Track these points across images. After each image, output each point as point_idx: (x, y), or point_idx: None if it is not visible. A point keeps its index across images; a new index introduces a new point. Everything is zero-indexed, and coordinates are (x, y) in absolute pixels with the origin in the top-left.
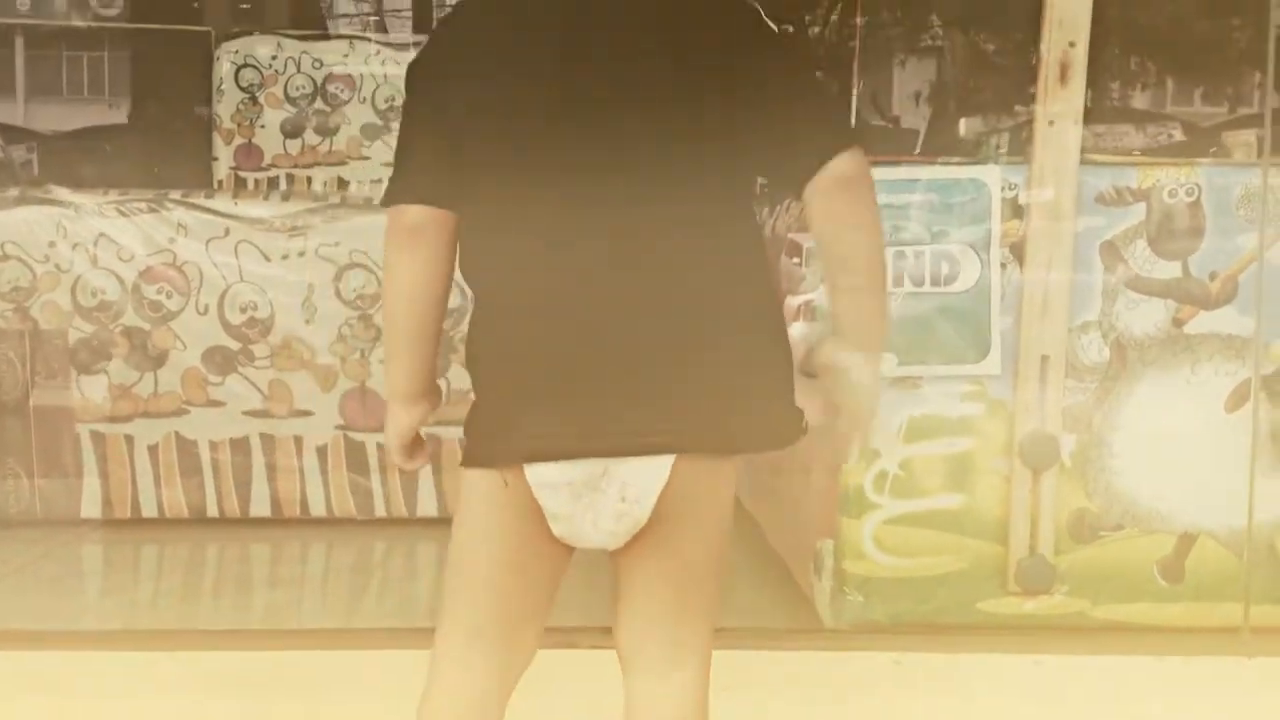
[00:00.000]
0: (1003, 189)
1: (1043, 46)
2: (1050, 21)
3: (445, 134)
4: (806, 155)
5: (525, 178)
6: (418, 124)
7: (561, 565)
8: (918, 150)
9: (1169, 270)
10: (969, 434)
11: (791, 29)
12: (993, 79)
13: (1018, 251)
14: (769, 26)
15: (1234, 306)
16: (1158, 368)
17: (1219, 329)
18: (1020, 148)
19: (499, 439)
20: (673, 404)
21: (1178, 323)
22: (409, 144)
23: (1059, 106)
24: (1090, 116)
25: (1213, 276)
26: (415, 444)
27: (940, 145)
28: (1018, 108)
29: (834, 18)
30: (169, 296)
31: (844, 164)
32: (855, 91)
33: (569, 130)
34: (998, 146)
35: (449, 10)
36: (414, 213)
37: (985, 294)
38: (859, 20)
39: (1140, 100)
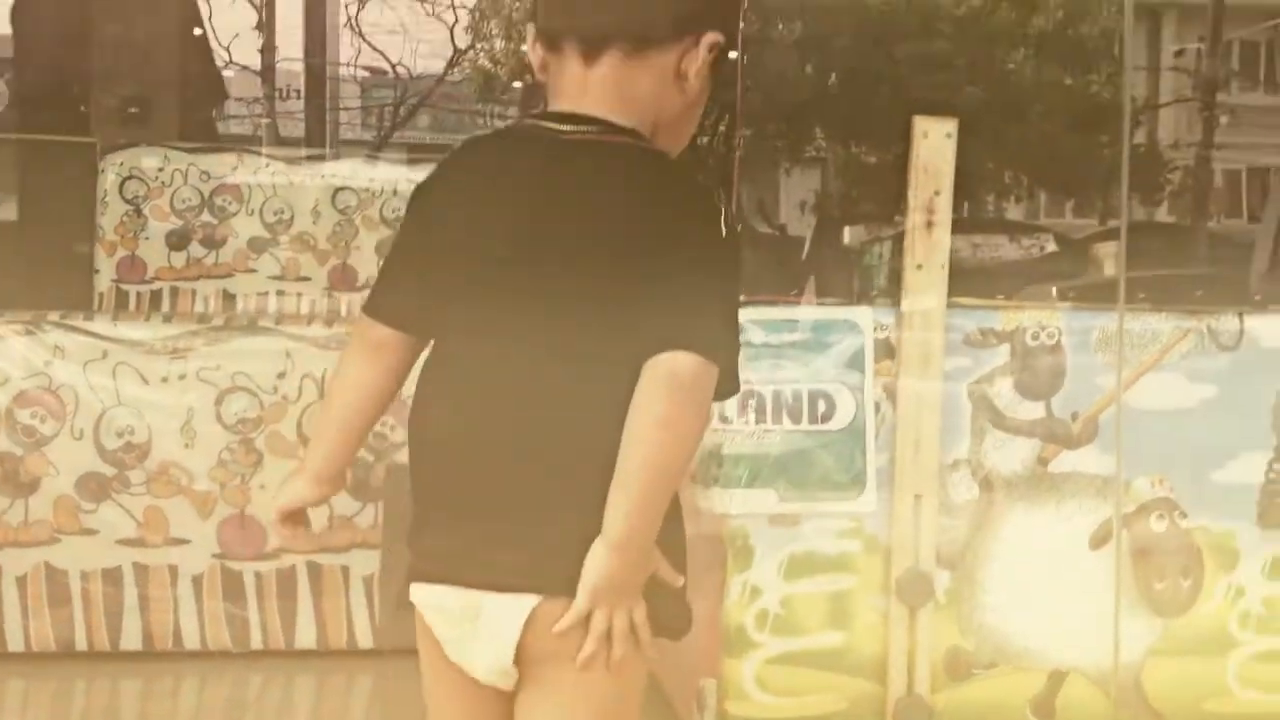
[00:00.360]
0: (875, 329)
1: (909, 194)
2: (916, 169)
3: (419, 262)
4: (656, 338)
5: (463, 317)
6: (400, 246)
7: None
8: (804, 256)
9: (1033, 410)
10: (848, 571)
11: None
12: (874, 189)
13: (890, 390)
14: (714, 225)
15: (1096, 446)
16: (1025, 505)
17: (1082, 468)
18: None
19: (410, 553)
20: (543, 546)
21: (1043, 461)
22: (392, 262)
23: (925, 252)
24: (967, 227)
25: (1074, 417)
26: (300, 517)
27: (824, 254)
28: (898, 217)
29: (721, 128)
30: (43, 421)
31: (682, 362)
32: (735, 200)
33: (498, 283)
34: (880, 254)
35: (461, 143)
36: (379, 331)
37: (860, 432)
38: (744, 132)
39: (1015, 212)
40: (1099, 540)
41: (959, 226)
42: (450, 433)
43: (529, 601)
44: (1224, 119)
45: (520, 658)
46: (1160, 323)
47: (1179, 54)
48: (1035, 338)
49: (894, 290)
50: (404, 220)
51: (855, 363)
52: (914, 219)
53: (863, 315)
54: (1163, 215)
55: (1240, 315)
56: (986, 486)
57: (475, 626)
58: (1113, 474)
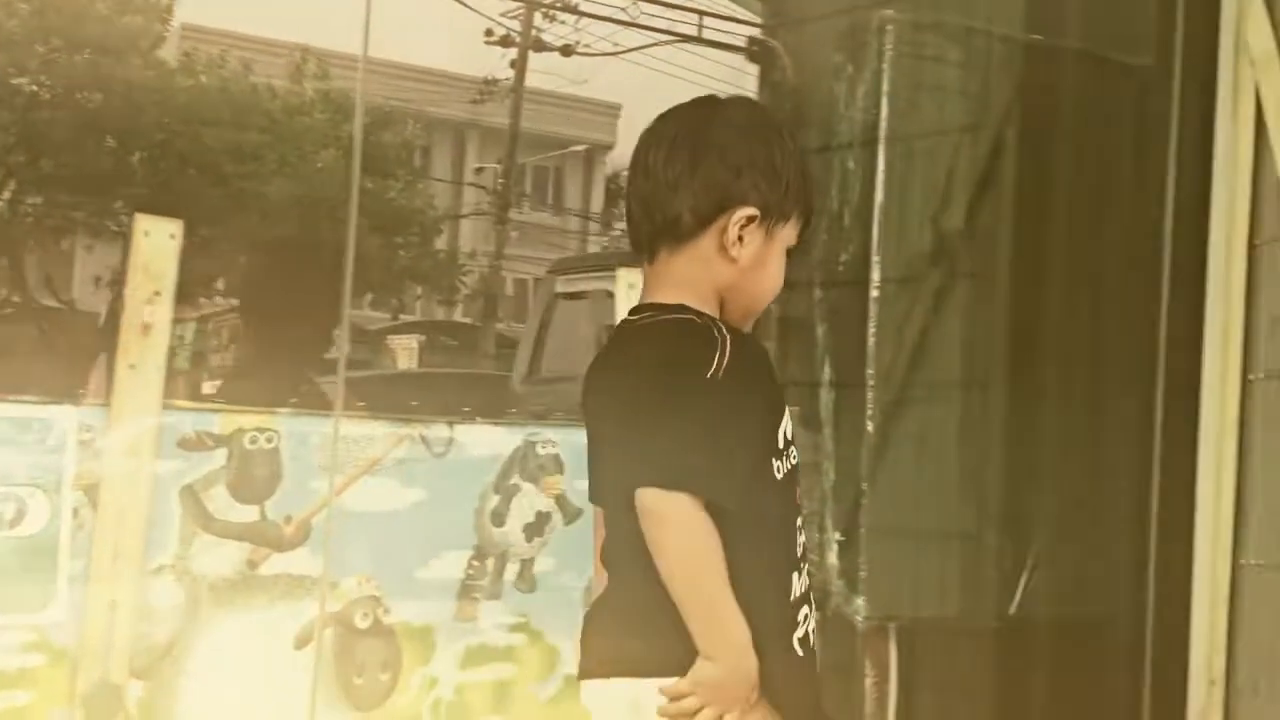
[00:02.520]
0: (80, 430)
1: (126, 292)
2: (135, 268)
3: None
4: (628, 477)
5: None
6: None
7: None
8: (101, 322)
9: (247, 514)
10: (28, 687)
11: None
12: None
13: (93, 494)
14: (697, 370)
15: (307, 547)
16: (232, 609)
17: (292, 569)
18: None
19: None
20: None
21: (252, 564)
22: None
23: (141, 352)
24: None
25: (288, 519)
26: None
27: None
28: (205, 300)
29: (6, 195)
30: None
31: (642, 497)
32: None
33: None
34: (182, 336)
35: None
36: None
37: (54, 538)
38: (38, 199)
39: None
40: (303, 640)
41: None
42: None
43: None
44: (514, 233)
45: None
46: (377, 429)
47: (479, 171)
48: (254, 441)
49: (195, 373)
50: None
51: (52, 464)
52: (130, 319)
53: (65, 414)
54: (459, 315)
55: (450, 424)
56: (192, 591)
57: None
58: (320, 574)
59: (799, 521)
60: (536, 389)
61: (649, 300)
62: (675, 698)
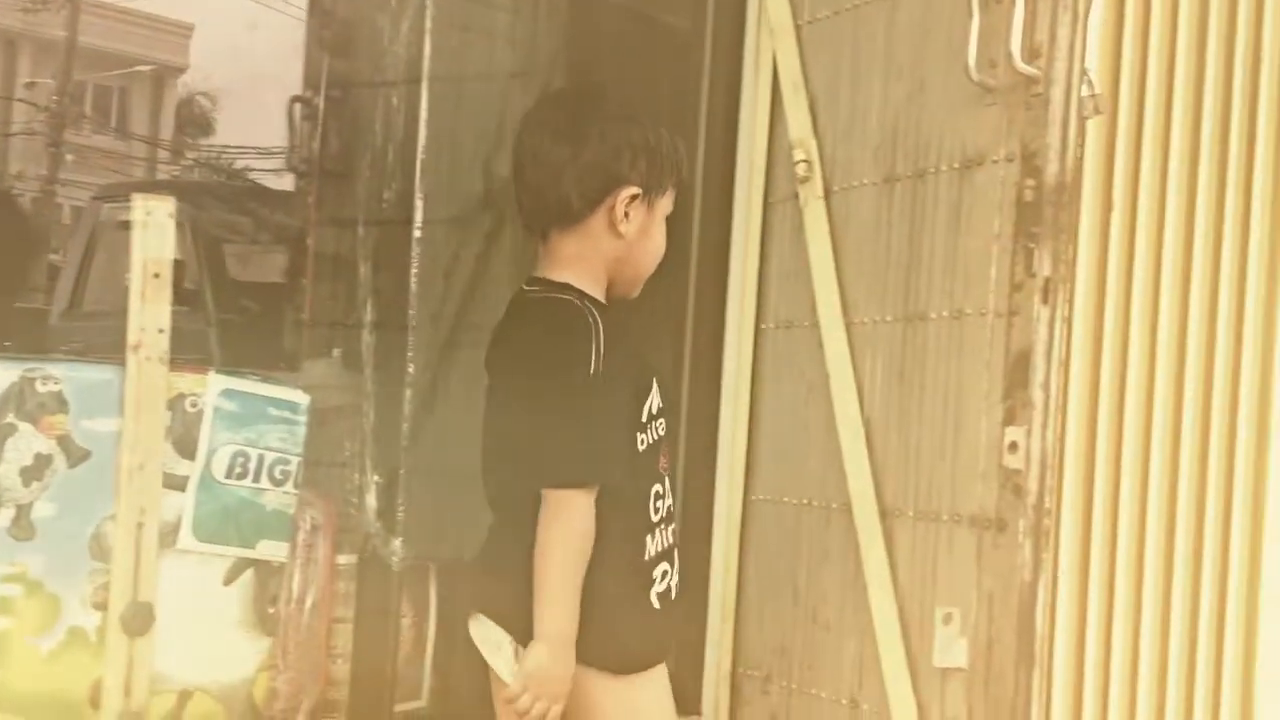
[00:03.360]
0: None
1: None
2: None
3: None
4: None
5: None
6: None
7: None
8: None
9: None
10: None
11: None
12: None
13: None
14: (580, 367)
15: None
16: None
17: None
18: None
19: None
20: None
21: None
22: None
23: None
24: None
25: None
26: None
27: None
28: None
29: None
30: None
31: (545, 495)
32: None
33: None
34: None
35: None
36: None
37: None
38: None
39: None
40: None
41: None
42: None
43: None
44: (70, 156)
45: None
46: None
47: (30, 86)
48: None
49: None
50: None
51: None
52: None
53: None
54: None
55: None
56: None
57: None
58: None
59: (660, 487)
60: (77, 325)
61: (541, 275)
62: (510, 700)
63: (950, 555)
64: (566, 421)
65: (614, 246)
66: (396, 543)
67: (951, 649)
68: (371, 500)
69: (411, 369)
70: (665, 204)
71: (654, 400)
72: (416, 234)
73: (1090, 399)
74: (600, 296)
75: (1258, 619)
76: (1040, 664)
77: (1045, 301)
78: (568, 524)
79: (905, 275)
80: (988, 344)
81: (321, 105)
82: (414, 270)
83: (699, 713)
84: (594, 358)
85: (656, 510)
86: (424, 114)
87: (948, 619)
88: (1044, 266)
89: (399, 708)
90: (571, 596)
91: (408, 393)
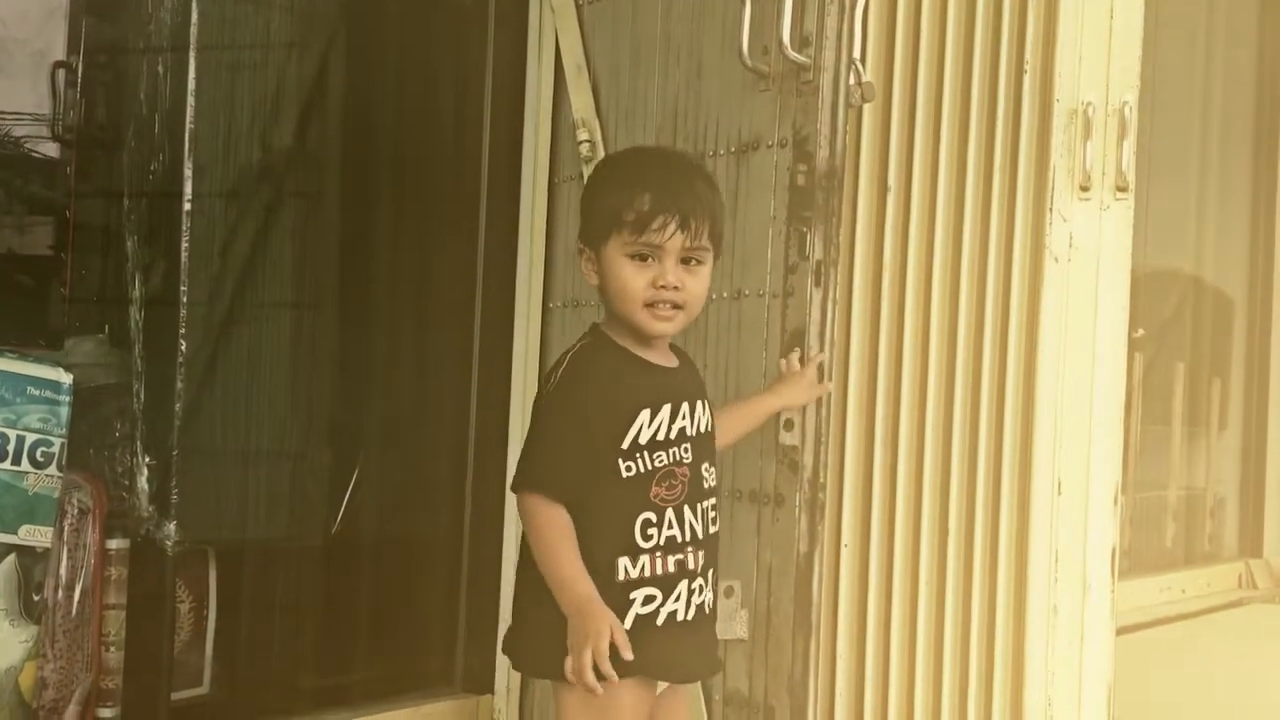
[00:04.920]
0: None
1: None
2: None
3: None
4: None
5: None
6: None
7: None
8: None
9: None
10: None
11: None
12: None
13: None
14: (543, 389)
15: None
16: None
17: None
18: None
19: None
20: None
21: None
22: None
23: None
24: None
25: None
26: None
27: None
28: None
29: None
30: None
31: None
32: None
33: None
34: None
35: None
36: None
37: None
38: None
39: None
40: None
41: None
42: None
43: None
44: None
45: None
46: None
47: None
48: None
49: None
50: None
51: None
52: None
53: None
54: None
55: None
56: None
57: None
58: None
59: (652, 515)
60: None
61: None
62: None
63: (731, 530)
64: (530, 431)
65: (594, 288)
66: (170, 526)
67: (733, 621)
68: (143, 483)
69: (184, 346)
70: (622, 246)
71: (646, 431)
72: (187, 207)
73: (870, 376)
74: (619, 335)
75: (1026, 582)
76: (817, 633)
77: (818, 284)
78: (527, 524)
79: None
80: (765, 324)
81: (81, 71)
82: (185, 244)
83: (492, 690)
84: (552, 378)
85: (649, 538)
86: (191, 83)
87: (729, 592)
88: (816, 249)
89: (178, 695)
90: (563, 577)
91: (181, 371)
